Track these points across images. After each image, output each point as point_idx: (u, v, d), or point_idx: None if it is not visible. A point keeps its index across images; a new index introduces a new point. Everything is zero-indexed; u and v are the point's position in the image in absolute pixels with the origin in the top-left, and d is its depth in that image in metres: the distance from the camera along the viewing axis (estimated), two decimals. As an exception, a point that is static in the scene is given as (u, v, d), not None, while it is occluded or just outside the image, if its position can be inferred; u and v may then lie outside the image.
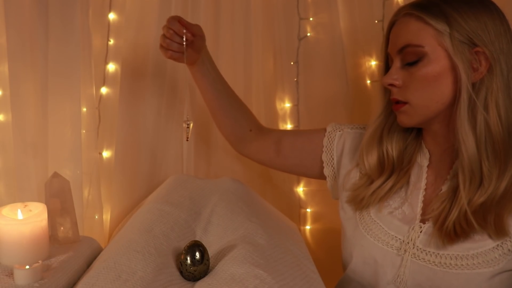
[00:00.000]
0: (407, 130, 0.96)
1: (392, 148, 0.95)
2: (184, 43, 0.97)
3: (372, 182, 0.97)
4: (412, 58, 0.86)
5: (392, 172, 0.95)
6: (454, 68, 0.83)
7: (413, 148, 0.96)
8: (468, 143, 0.83)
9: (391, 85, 0.90)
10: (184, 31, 0.96)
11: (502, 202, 0.84)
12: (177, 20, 0.96)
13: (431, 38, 0.84)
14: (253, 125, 1.15)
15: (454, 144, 0.87)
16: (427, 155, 0.95)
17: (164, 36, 0.98)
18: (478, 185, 0.84)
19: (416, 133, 0.97)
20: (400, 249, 0.91)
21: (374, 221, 0.95)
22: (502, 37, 0.83)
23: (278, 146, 1.12)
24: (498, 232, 0.84)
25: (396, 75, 0.89)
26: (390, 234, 0.92)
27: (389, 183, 0.95)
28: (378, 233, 0.93)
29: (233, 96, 1.12)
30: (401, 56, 0.88)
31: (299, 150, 1.10)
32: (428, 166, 0.95)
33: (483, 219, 0.84)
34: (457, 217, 0.84)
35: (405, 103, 0.89)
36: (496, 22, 0.84)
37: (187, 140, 1.03)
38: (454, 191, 0.88)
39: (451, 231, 0.85)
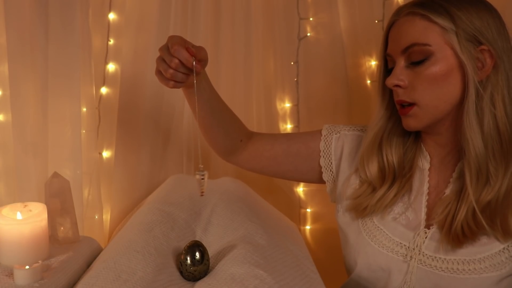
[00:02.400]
0: (406, 134, 0.95)
1: (392, 154, 0.93)
2: (195, 76, 0.83)
3: (374, 189, 0.94)
4: (418, 57, 0.84)
5: (394, 179, 0.93)
6: (461, 66, 0.83)
7: (413, 152, 0.95)
8: (475, 141, 0.82)
9: (397, 86, 0.87)
10: (194, 63, 0.82)
11: (506, 202, 0.83)
12: (184, 47, 0.81)
13: (437, 36, 0.83)
14: (243, 134, 1.07)
15: (458, 145, 0.87)
16: (428, 158, 0.94)
17: (163, 62, 0.83)
18: (484, 183, 0.83)
19: (415, 137, 0.96)
20: (406, 255, 0.89)
21: (378, 227, 0.93)
22: (502, 36, 0.84)
23: (270, 153, 1.06)
24: (506, 233, 0.83)
25: (402, 75, 0.86)
26: (395, 240, 0.91)
27: (393, 190, 0.92)
28: (383, 239, 0.92)
29: (226, 110, 1.02)
30: (406, 55, 0.86)
31: (294, 156, 1.05)
32: (429, 170, 0.94)
33: (491, 220, 0.83)
34: (465, 217, 0.83)
35: (412, 105, 0.87)
36: (496, 20, 0.84)
37: (201, 195, 0.84)
38: (458, 194, 0.87)
39: (459, 233, 0.84)
